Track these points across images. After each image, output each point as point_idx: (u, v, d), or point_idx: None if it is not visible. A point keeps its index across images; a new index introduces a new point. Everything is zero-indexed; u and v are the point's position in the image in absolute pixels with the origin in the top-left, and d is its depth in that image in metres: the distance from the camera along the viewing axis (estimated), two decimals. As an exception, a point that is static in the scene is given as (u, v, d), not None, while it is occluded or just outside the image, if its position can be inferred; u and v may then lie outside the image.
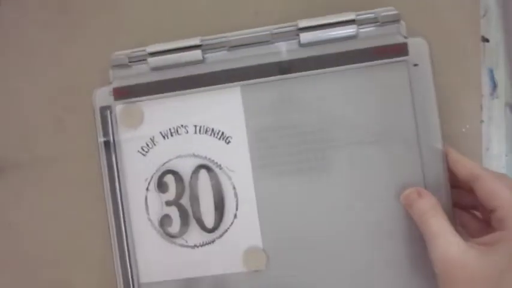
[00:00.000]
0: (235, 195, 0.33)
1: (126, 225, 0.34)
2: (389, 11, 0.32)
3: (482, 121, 0.35)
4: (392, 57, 0.32)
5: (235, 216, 0.33)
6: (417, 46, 0.32)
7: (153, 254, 0.34)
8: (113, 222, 0.34)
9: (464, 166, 0.29)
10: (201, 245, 0.34)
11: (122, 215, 0.34)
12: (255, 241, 0.33)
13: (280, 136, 0.33)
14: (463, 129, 0.34)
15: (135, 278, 0.34)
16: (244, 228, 0.33)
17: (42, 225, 0.36)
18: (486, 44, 0.35)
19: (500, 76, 0.35)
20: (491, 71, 0.35)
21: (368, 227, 0.32)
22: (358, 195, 0.32)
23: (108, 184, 0.34)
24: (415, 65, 0.32)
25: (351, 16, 0.32)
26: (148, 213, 0.34)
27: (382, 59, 0.32)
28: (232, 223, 0.33)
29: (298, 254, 0.33)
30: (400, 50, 0.32)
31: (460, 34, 0.35)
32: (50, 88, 0.37)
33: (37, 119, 0.37)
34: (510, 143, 0.35)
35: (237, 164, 0.33)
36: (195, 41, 0.33)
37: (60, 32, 0.37)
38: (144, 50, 0.33)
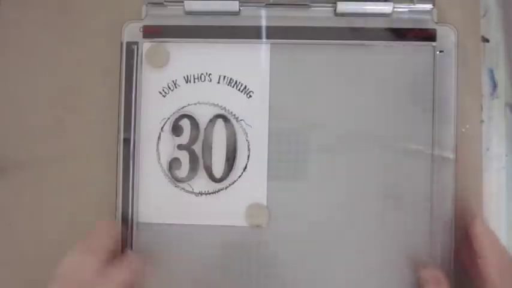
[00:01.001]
0: (248, 149, 0.34)
1: (135, 161, 0.34)
2: (425, -4, 0.33)
3: (482, 121, 0.35)
4: (420, 41, 0.33)
5: (244, 169, 0.34)
6: (445, 34, 0.33)
7: (156, 195, 0.34)
8: (121, 155, 0.34)
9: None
10: (206, 194, 0.34)
11: (132, 150, 0.34)
12: (259, 197, 0.33)
13: (301, 100, 0.33)
14: (463, 129, 0.34)
15: (134, 216, 0.34)
16: (251, 183, 0.34)
17: (42, 225, 0.36)
18: (486, 44, 0.35)
19: (500, 76, 0.35)
20: (491, 71, 0.35)
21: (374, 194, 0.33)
22: (368, 175, 0.33)
23: (122, 118, 0.34)
24: (441, 51, 0.33)
25: (388, -7, 0.33)
26: (158, 154, 0.34)
27: (411, 40, 0.33)
28: (240, 176, 0.34)
29: (300, 216, 0.33)
30: (429, 35, 0.33)
31: (460, 34, 0.34)
32: (50, 88, 0.36)
33: (37, 119, 0.36)
34: (510, 143, 0.35)
35: (254, 119, 0.34)
36: (234, -8, 0.33)
37: (60, 32, 0.36)
38: (182, -7, 0.34)
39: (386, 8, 0.33)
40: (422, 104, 0.33)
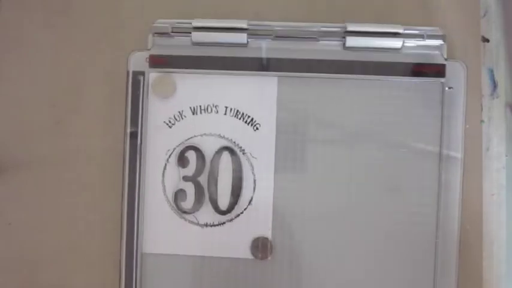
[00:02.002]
0: (254, 182, 0.34)
1: (140, 192, 0.34)
2: (435, 31, 0.33)
3: (482, 121, 0.35)
4: (429, 76, 0.33)
5: (249, 202, 0.34)
6: (455, 69, 0.33)
7: (161, 225, 0.34)
8: (127, 186, 0.34)
9: None
10: (211, 225, 0.34)
11: (137, 181, 0.34)
12: (264, 230, 0.33)
13: (308, 133, 0.33)
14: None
15: (139, 247, 0.34)
16: (256, 216, 0.34)
17: (42, 225, 0.36)
18: (486, 44, 0.35)
19: (500, 76, 0.35)
20: (491, 71, 0.35)
21: (380, 233, 0.33)
22: (378, 203, 0.33)
23: (128, 149, 0.34)
24: (450, 87, 0.33)
25: (398, 29, 0.32)
26: (164, 185, 0.34)
27: (420, 76, 0.33)
28: (245, 209, 0.34)
29: (305, 250, 0.33)
30: (438, 70, 0.33)
31: (460, 34, 0.34)
32: (50, 88, 0.36)
33: (37, 119, 0.36)
34: (510, 143, 0.35)
35: (261, 152, 0.34)
36: (242, 24, 0.33)
37: (60, 32, 0.36)
38: (189, 23, 0.33)
39: (396, 43, 0.32)
40: (428, 142, 0.33)
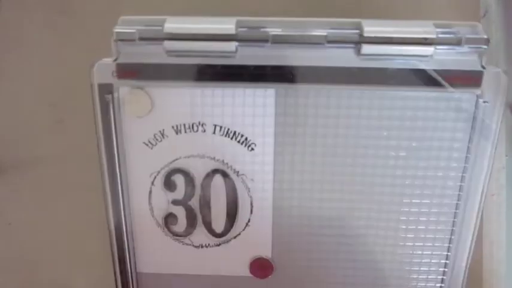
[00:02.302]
0: (251, 204, 0.30)
1: (126, 216, 0.31)
2: (476, 33, 0.25)
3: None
4: (461, 87, 0.27)
5: (247, 224, 0.31)
6: (493, 79, 0.26)
7: (154, 247, 0.32)
8: (111, 209, 0.30)
9: None
10: (207, 246, 0.32)
11: (122, 205, 0.30)
12: (264, 250, 0.31)
13: (310, 152, 0.29)
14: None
15: (132, 266, 0.32)
16: (255, 237, 0.31)
17: (42, 225, 0.36)
18: None
19: None
20: None
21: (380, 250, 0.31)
22: (378, 217, 0.30)
23: (106, 171, 0.30)
24: (485, 102, 0.27)
25: (430, 33, 0.25)
26: (151, 209, 0.31)
27: (450, 86, 0.27)
28: (243, 230, 0.31)
29: (306, 268, 0.32)
30: (472, 79, 0.26)
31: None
32: (49, 88, 0.35)
33: (37, 119, 0.35)
34: (510, 143, 0.35)
35: (258, 173, 0.30)
36: (229, 29, 0.26)
37: (60, 32, 0.35)
38: (160, 27, 0.26)
39: (425, 49, 0.26)
40: (453, 161, 0.28)
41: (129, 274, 0.32)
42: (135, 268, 0.32)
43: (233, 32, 0.25)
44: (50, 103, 0.36)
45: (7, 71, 0.36)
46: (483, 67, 0.26)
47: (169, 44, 0.26)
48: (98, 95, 0.28)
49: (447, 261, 0.31)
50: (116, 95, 0.28)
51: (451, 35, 0.25)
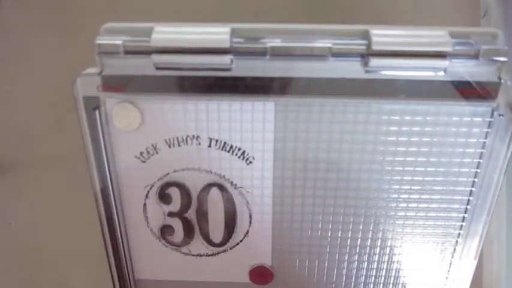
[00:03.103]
0: (250, 215, 0.29)
1: (121, 227, 0.30)
2: (494, 44, 0.23)
3: None
4: (476, 100, 0.25)
5: (246, 234, 0.30)
6: (510, 91, 0.24)
7: (151, 255, 0.31)
8: (105, 221, 0.30)
9: None
10: (205, 255, 0.31)
11: (116, 217, 0.29)
12: (264, 259, 0.31)
13: (312, 166, 0.27)
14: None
15: (130, 273, 0.32)
16: (255, 247, 0.30)
17: (42, 225, 0.36)
18: None
19: None
20: None
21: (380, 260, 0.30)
22: (382, 232, 0.29)
23: (98, 184, 0.28)
24: (500, 115, 0.25)
25: (445, 45, 0.23)
26: (147, 221, 0.30)
27: (464, 99, 0.25)
28: (242, 240, 0.30)
29: (306, 275, 0.31)
30: (488, 92, 0.24)
31: None
32: (49, 88, 0.35)
33: (37, 119, 0.35)
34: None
35: (256, 186, 0.28)
36: (223, 40, 0.23)
37: (60, 32, 0.34)
38: (147, 39, 0.23)
39: (440, 63, 0.23)
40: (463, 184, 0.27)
41: (128, 281, 0.32)
42: (133, 275, 0.32)
43: (227, 45, 0.23)
44: (50, 103, 0.36)
45: (7, 71, 0.36)
46: (500, 79, 0.24)
47: (158, 58, 0.24)
48: (84, 108, 0.26)
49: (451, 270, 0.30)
50: (102, 108, 0.26)
51: (468, 47, 0.23)
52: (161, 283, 0.32)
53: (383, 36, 0.23)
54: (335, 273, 0.31)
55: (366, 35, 0.23)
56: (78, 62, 0.30)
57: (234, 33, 0.23)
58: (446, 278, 0.31)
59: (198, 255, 0.31)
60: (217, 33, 0.23)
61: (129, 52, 0.24)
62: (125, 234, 0.30)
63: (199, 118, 0.26)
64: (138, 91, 0.25)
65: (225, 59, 0.24)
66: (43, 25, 0.35)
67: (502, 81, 0.24)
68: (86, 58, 0.30)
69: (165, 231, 0.30)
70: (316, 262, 0.31)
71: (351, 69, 0.24)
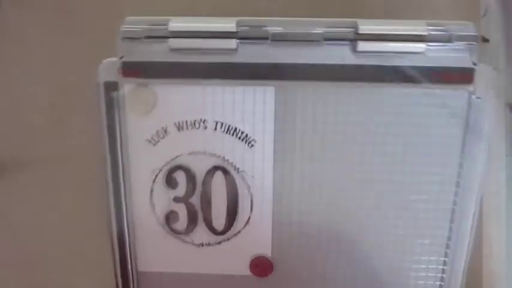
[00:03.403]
0: (251, 201, 0.31)
1: (128, 214, 0.31)
2: (466, 31, 0.27)
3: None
4: (453, 83, 0.28)
5: (247, 222, 0.31)
6: (485, 75, 0.27)
7: (155, 245, 0.32)
8: (113, 207, 0.31)
9: None
10: (208, 245, 0.32)
11: (123, 203, 0.31)
12: (264, 248, 0.32)
13: (310, 148, 0.29)
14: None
15: (133, 265, 0.32)
16: (255, 236, 0.31)
17: (42, 225, 0.36)
18: (486, 44, 0.34)
19: (500, 76, 0.34)
20: None
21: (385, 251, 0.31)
22: (384, 224, 0.30)
23: (110, 169, 0.30)
24: (478, 98, 0.28)
25: (422, 30, 0.26)
26: (153, 206, 0.31)
27: (442, 83, 0.28)
28: (243, 228, 0.31)
29: (307, 267, 0.32)
30: (464, 76, 0.27)
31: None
32: (50, 88, 0.35)
33: (37, 119, 0.35)
34: (510, 143, 0.35)
35: (258, 170, 0.30)
36: (230, 26, 0.27)
37: (60, 32, 0.35)
38: (165, 26, 0.27)
39: (417, 46, 0.27)
40: (447, 155, 0.29)
41: (130, 273, 0.32)
42: (136, 267, 0.32)
43: (234, 29, 0.27)
44: (50, 103, 0.36)
45: (7, 71, 0.36)
46: (474, 64, 0.27)
47: (174, 42, 0.27)
48: (103, 93, 0.29)
49: (445, 267, 0.31)
50: (120, 92, 0.29)
51: (442, 32, 0.26)
52: (163, 275, 0.32)
53: (369, 24, 0.27)
54: (334, 263, 0.32)
55: (354, 24, 0.27)
56: (78, 62, 0.34)
57: (239, 23, 0.27)
58: None
59: (200, 244, 0.32)
60: (226, 22, 0.27)
61: (149, 37, 0.27)
62: (132, 222, 0.31)
63: (206, 102, 0.29)
64: (154, 76, 0.28)
65: (232, 43, 0.27)
66: (43, 25, 0.35)
67: (476, 66, 0.27)
68: (86, 58, 0.31)
69: (170, 217, 0.31)
70: (316, 251, 0.31)
71: (342, 54, 0.27)
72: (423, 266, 0.31)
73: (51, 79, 0.35)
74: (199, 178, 0.30)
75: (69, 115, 0.35)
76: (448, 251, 0.31)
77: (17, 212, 0.36)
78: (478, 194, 0.29)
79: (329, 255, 0.32)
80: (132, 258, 0.32)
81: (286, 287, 0.32)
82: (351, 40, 0.27)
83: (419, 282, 0.31)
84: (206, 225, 0.31)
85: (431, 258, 0.31)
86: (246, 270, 0.32)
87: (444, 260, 0.31)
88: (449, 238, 0.31)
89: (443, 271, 0.31)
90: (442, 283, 0.31)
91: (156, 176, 0.30)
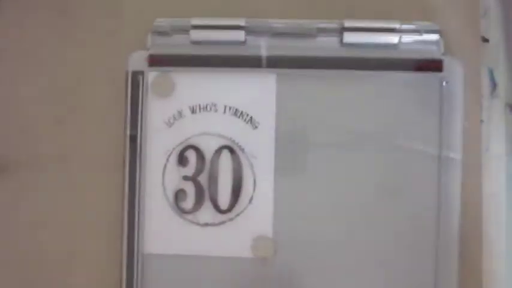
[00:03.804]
0: (254, 181, 0.33)
1: (140, 193, 0.33)
2: (431, 26, 0.33)
3: (482, 121, 0.35)
4: (427, 71, 0.33)
5: (250, 201, 0.33)
6: (452, 65, 0.33)
7: (161, 226, 0.34)
8: (127, 188, 0.33)
9: None
10: (212, 225, 0.34)
11: (137, 182, 0.33)
12: (265, 229, 0.33)
13: (308, 131, 0.33)
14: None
15: (140, 247, 0.33)
16: (257, 215, 0.33)
17: (42, 225, 0.36)
18: (486, 44, 0.35)
19: (500, 76, 0.35)
20: (491, 71, 0.35)
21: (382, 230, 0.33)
22: (378, 203, 0.33)
23: (128, 150, 0.34)
24: (447, 82, 0.33)
25: (395, 24, 0.32)
26: (164, 185, 0.34)
27: (417, 71, 0.33)
28: (246, 208, 0.33)
29: (308, 248, 0.33)
30: (435, 65, 0.33)
31: (460, 34, 0.34)
32: (50, 88, 0.36)
33: (38, 119, 0.36)
34: (510, 143, 0.35)
35: (260, 151, 0.33)
36: (240, 22, 0.33)
37: (60, 32, 0.36)
38: (187, 21, 0.33)
39: (392, 38, 0.32)
40: (427, 134, 0.33)
41: (136, 255, 0.33)
42: (141, 249, 0.34)
43: (243, 23, 0.33)
44: (50, 103, 0.36)
45: (7, 71, 0.36)
46: (442, 54, 0.33)
47: (194, 34, 0.33)
48: (131, 80, 0.34)
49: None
50: (145, 80, 0.34)
51: (412, 26, 0.33)
52: (167, 258, 0.34)
53: (353, 21, 0.33)
54: (336, 243, 0.33)
55: (341, 21, 0.33)
56: (78, 62, 0.35)
57: (247, 20, 0.34)
58: None
59: (204, 224, 0.34)
60: (236, 19, 0.33)
61: (174, 29, 0.33)
62: (143, 203, 0.34)
63: (218, 88, 0.34)
64: (175, 65, 0.34)
65: (241, 34, 0.33)
66: (43, 25, 0.36)
67: (444, 55, 0.33)
68: (85, 57, 0.35)
69: (179, 196, 0.34)
70: (318, 233, 0.33)
71: (331, 46, 0.33)
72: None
73: (51, 79, 0.36)
74: (208, 157, 0.34)
75: (69, 115, 0.36)
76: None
77: (17, 212, 0.36)
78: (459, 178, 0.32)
79: (331, 236, 0.33)
80: (139, 239, 0.33)
81: (287, 268, 0.33)
82: (338, 32, 0.33)
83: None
84: (212, 203, 0.33)
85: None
86: (248, 252, 0.33)
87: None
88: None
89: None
90: None
91: (170, 155, 0.34)
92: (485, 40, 0.35)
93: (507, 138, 0.35)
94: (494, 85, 0.35)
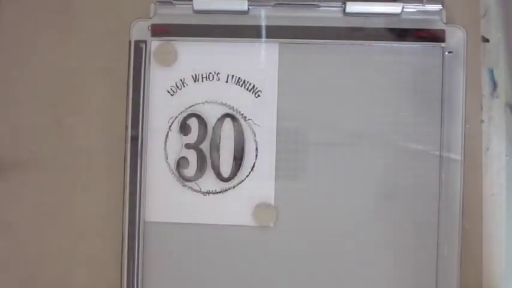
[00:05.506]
0: (256, 148, 0.34)
1: (142, 160, 0.34)
2: (435, -2, 0.33)
3: (482, 121, 0.35)
4: (429, 41, 0.33)
5: (252, 169, 0.34)
6: (454, 34, 0.33)
7: (163, 194, 0.34)
8: (129, 154, 0.33)
9: None
10: (214, 193, 0.34)
11: (139, 148, 0.33)
12: (267, 197, 0.33)
13: (310, 98, 0.33)
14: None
15: (142, 215, 0.33)
16: (259, 183, 0.33)
17: (42, 225, 0.36)
18: (486, 44, 0.35)
19: (500, 76, 0.35)
20: (491, 71, 0.35)
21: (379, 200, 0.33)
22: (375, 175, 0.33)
23: (130, 116, 0.34)
24: (450, 52, 0.33)
25: (397, -6, 0.33)
26: (166, 152, 0.34)
27: (420, 41, 0.33)
28: (248, 175, 0.33)
29: (308, 215, 0.33)
30: (438, 35, 0.33)
31: (460, 34, 0.34)
32: (50, 88, 0.36)
33: (37, 119, 0.36)
34: (510, 143, 0.35)
35: (263, 119, 0.34)
36: (243, -9, 0.33)
37: (60, 32, 0.36)
38: (191, -8, 0.34)
39: (395, 8, 0.33)
40: (430, 104, 0.33)
41: (137, 223, 0.33)
42: (143, 217, 0.34)
43: (246, -7, 0.33)
44: (50, 103, 0.36)
45: (7, 71, 0.36)
46: (445, 24, 0.33)
47: (197, 3, 0.33)
48: (133, 48, 0.34)
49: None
50: (148, 48, 0.34)
51: (413, -5, 0.33)
52: (168, 226, 0.34)
53: (355, -7, 0.33)
54: (337, 211, 0.33)
55: (344, -7, 0.34)
56: (78, 62, 0.36)
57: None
58: None
59: (207, 192, 0.34)
60: (240, -10, 0.34)
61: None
62: (145, 170, 0.34)
63: (221, 57, 0.34)
64: (177, 35, 0.34)
65: (244, 5, 0.33)
66: (43, 25, 0.36)
67: (447, 25, 0.33)
68: (85, 58, 0.35)
69: (181, 164, 0.34)
70: (319, 199, 0.33)
71: (334, 16, 0.33)
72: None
73: (51, 79, 0.36)
74: (210, 125, 0.34)
75: (69, 115, 0.36)
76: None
77: (17, 212, 0.36)
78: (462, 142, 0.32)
79: (333, 204, 0.33)
80: (141, 207, 0.34)
81: (288, 236, 0.33)
82: (342, 3, 0.33)
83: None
84: (214, 171, 0.34)
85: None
86: (249, 220, 0.33)
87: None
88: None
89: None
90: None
91: (172, 123, 0.34)
92: (486, 40, 0.35)
93: (507, 138, 0.35)
94: (494, 85, 0.35)
